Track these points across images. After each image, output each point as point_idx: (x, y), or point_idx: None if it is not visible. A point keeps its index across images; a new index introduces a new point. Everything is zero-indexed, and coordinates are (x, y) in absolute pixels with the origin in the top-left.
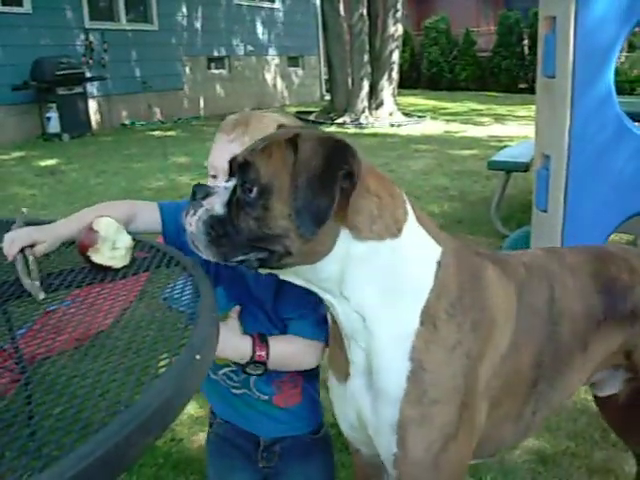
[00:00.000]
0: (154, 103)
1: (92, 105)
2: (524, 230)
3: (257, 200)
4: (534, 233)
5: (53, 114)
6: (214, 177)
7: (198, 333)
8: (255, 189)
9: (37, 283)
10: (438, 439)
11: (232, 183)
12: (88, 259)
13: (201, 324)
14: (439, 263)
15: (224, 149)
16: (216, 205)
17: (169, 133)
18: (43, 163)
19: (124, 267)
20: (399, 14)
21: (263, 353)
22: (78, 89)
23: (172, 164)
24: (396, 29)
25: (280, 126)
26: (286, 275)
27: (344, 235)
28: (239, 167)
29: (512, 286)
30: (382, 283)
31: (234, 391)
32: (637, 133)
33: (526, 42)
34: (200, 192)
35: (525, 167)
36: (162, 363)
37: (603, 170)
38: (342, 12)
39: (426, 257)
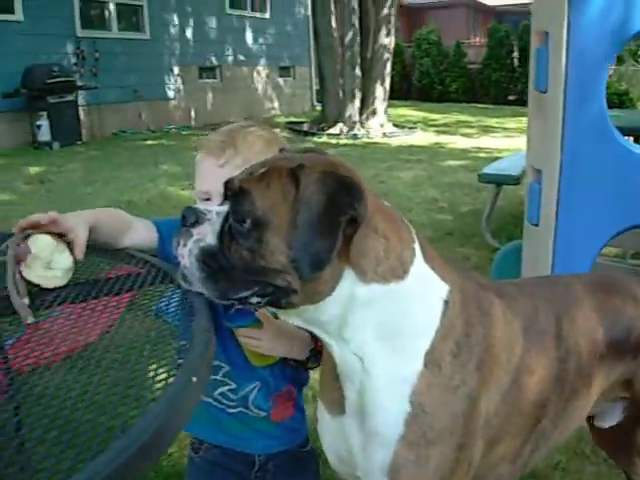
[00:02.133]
0: (145, 112)
1: (83, 114)
2: (515, 243)
3: (250, 232)
4: (525, 246)
5: (44, 122)
6: (207, 200)
7: (194, 354)
8: (249, 220)
9: (26, 301)
10: None
11: (225, 209)
12: (20, 272)
13: (196, 345)
14: (446, 302)
15: (216, 173)
16: (207, 235)
17: (160, 142)
18: (33, 171)
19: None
20: (392, 26)
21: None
22: (69, 97)
23: (163, 173)
24: (389, 41)
25: (281, 150)
26: (287, 315)
27: (348, 275)
28: (233, 194)
29: (517, 322)
30: (385, 326)
31: (230, 411)
32: (628, 147)
33: (516, 55)
34: (190, 217)
35: (516, 180)
36: (158, 385)
37: (595, 185)
38: (334, 23)
39: (432, 297)
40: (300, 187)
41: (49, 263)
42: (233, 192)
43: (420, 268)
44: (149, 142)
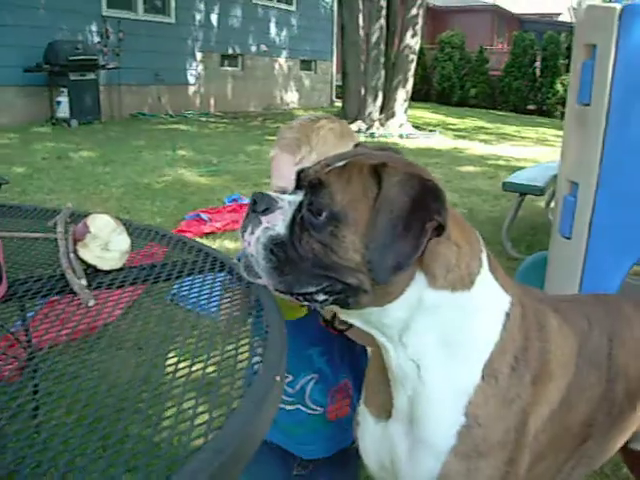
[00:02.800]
0: (165, 96)
1: (103, 93)
2: (540, 255)
3: (325, 225)
4: (552, 259)
5: (63, 99)
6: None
7: (273, 350)
8: (325, 214)
9: (84, 282)
10: None
11: (298, 198)
12: (76, 252)
13: (273, 341)
14: (507, 315)
15: (292, 171)
16: (278, 224)
17: (178, 127)
18: (50, 147)
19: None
20: (419, 27)
21: None
22: (90, 76)
23: (180, 158)
24: (415, 42)
25: (357, 145)
26: (347, 315)
27: (419, 280)
28: (310, 185)
29: (573, 338)
30: (446, 334)
31: (287, 407)
32: None
33: (538, 64)
34: (261, 203)
35: (541, 191)
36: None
37: (630, 202)
38: (361, 20)
39: (495, 309)
40: (383, 186)
41: (107, 244)
42: (310, 183)
43: (486, 278)
44: (167, 126)
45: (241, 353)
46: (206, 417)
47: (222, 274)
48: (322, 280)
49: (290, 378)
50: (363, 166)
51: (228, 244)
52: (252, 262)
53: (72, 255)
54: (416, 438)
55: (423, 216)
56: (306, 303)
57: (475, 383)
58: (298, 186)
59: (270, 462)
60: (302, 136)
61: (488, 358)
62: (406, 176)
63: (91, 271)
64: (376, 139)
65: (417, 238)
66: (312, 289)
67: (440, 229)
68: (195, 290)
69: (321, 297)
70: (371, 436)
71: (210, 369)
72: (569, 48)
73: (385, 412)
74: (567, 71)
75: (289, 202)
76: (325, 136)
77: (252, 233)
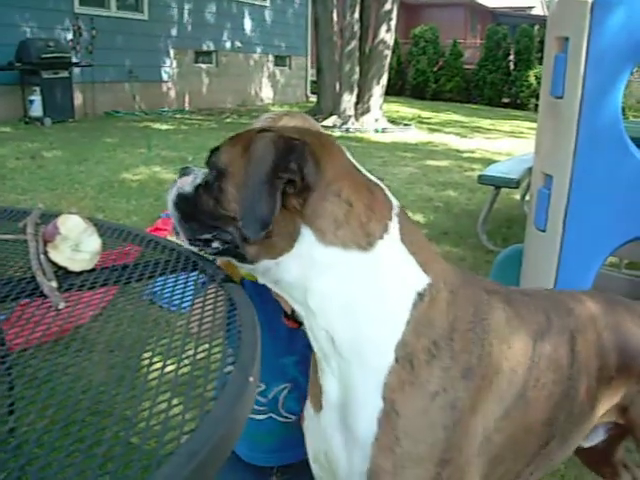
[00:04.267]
0: (139, 93)
1: (76, 91)
2: (516, 247)
3: (215, 180)
4: (527, 251)
5: (36, 97)
6: None
7: (246, 351)
8: (214, 171)
9: (54, 284)
10: None
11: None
12: (46, 254)
13: (246, 340)
14: (420, 295)
15: None
16: (186, 185)
17: (153, 125)
18: (24, 146)
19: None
20: (392, 22)
21: None
22: (63, 74)
23: (156, 156)
24: (389, 37)
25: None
26: (255, 273)
27: (307, 235)
28: (210, 152)
29: (526, 332)
30: (350, 301)
31: (257, 417)
32: None
33: (512, 57)
34: (181, 172)
35: (516, 183)
36: (153, 375)
37: (605, 193)
38: (335, 15)
39: (403, 285)
40: (250, 149)
41: (78, 245)
42: (210, 150)
43: (393, 248)
44: (142, 124)
45: (214, 354)
46: (179, 419)
47: (195, 273)
48: (213, 229)
49: (263, 387)
50: (250, 132)
51: None
52: (171, 215)
53: (42, 257)
54: (347, 427)
55: (275, 173)
56: (207, 249)
57: (389, 363)
58: None
59: (246, 470)
60: (264, 124)
61: (400, 338)
62: (274, 137)
63: (62, 273)
64: (351, 134)
65: (270, 194)
66: (207, 236)
67: (306, 187)
68: (168, 289)
69: (215, 244)
70: (309, 430)
71: (184, 370)
72: (542, 41)
73: (320, 401)
74: (540, 64)
75: (203, 172)
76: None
77: (169, 193)
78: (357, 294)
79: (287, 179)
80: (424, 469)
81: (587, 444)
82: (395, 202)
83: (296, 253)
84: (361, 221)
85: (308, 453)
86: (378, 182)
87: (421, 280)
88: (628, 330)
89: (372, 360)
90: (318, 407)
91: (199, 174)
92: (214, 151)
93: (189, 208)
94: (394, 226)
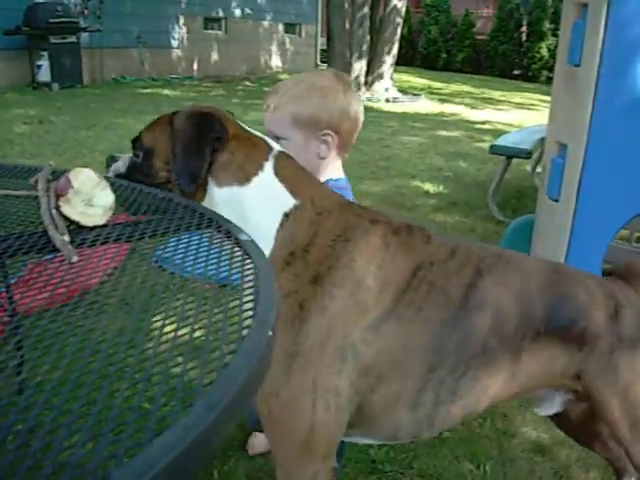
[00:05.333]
0: (147, 59)
1: (84, 56)
2: (527, 218)
3: (143, 161)
4: (539, 221)
5: (44, 62)
6: (277, 139)
7: (264, 307)
8: (141, 154)
9: (67, 238)
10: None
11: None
12: (58, 208)
13: (264, 296)
14: (286, 215)
15: (265, 117)
16: (120, 168)
17: (161, 91)
18: (32, 111)
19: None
20: None
21: None
22: (71, 39)
23: None
24: (401, 4)
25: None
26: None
27: (211, 182)
28: (132, 141)
29: (405, 257)
30: (242, 224)
31: None
32: None
33: (524, 29)
34: (109, 160)
35: (527, 153)
36: (166, 337)
37: (620, 164)
38: None
39: (272, 207)
40: (174, 123)
41: (90, 199)
42: (132, 140)
43: (267, 180)
44: (150, 90)
45: (231, 316)
46: (198, 373)
47: (209, 230)
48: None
49: None
50: (163, 117)
51: None
52: None
53: (54, 211)
54: None
55: (203, 134)
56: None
57: None
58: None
59: None
60: (272, 88)
61: (270, 251)
62: (190, 112)
63: (74, 227)
64: (362, 103)
65: (202, 150)
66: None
67: (220, 142)
68: (180, 252)
69: None
70: None
71: (198, 333)
72: (555, 12)
73: None
74: (553, 35)
75: (128, 157)
76: (291, 86)
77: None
78: (244, 219)
79: (215, 136)
80: (275, 359)
81: (547, 410)
82: (277, 148)
83: (209, 196)
84: (239, 164)
85: None
86: (262, 136)
87: (288, 203)
88: (569, 292)
89: None
90: None
91: (125, 158)
92: (136, 139)
93: (128, 179)
94: (269, 165)
